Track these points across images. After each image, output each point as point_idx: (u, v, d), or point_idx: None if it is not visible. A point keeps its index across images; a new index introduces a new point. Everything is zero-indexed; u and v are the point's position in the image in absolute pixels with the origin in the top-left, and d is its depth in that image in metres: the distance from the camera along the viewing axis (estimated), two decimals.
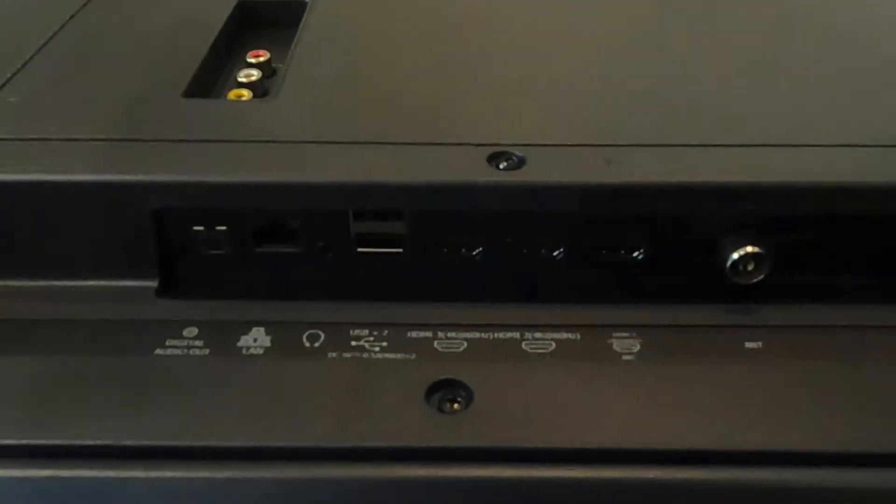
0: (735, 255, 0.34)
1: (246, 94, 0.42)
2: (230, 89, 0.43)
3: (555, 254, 0.36)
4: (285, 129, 0.37)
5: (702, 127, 0.37)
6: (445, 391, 0.32)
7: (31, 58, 0.42)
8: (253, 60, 0.45)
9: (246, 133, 0.37)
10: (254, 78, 0.43)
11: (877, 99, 0.40)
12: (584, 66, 0.43)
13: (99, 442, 0.30)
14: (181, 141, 0.36)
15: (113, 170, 0.35)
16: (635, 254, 0.36)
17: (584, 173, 0.34)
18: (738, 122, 0.38)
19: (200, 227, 0.36)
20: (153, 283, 0.36)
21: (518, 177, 0.34)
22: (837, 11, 0.48)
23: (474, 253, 0.36)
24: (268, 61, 0.45)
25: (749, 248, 0.34)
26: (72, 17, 0.46)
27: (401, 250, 0.36)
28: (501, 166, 0.35)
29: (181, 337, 0.34)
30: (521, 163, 0.35)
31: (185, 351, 0.34)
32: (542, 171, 0.34)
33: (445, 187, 0.34)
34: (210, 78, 0.43)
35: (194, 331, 0.34)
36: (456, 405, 0.32)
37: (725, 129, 0.37)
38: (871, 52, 0.44)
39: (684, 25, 0.47)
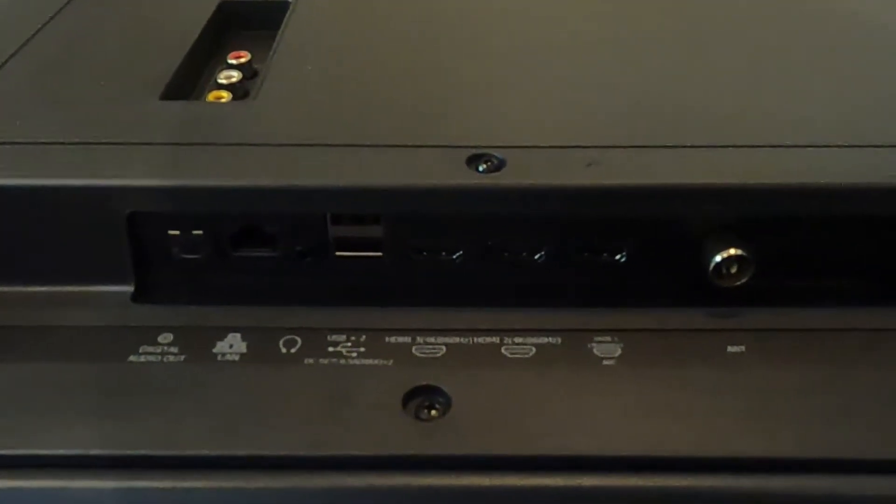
0: (718, 258, 0.34)
1: (226, 95, 0.42)
2: (210, 90, 0.43)
3: (535, 257, 0.35)
4: (264, 131, 0.37)
5: (683, 128, 0.37)
6: (423, 398, 0.31)
7: (7, 60, 0.42)
8: (234, 61, 0.45)
9: (224, 136, 0.37)
10: (234, 79, 0.43)
11: (861, 99, 0.39)
12: (565, 67, 0.42)
13: (69, 451, 0.30)
14: (157, 144, 0.36)
15: (87, 173, 0.34)
16: (617, 257, 0.35)
17: (564, 175, 0.34)
18: (720, 123, 0.37)
19: (176, 232, 0.35)
20: (128, 289, 0.35)
21: (498, 179, 0.34)
22: (824, 9, 0.47)
23: (454, 257, 0.36)
24: (249, 62, 0.45)
25: (732, 251, 0.34)
26: (51, 18, 0.46)
27: (380, 254, 0.36)
28: (481, 168, 0.34)
29: (156, 343, 0.34)
30: (500, 165, 0.34)
31: (160, 357, 0.33)
32: (522, 173, 0.34)
33: (424, 190, 0.34)
34: (189, 79, 0.43)
35: (169, 337, 0.34)
36: (434, 412, 0.31)
37: (707, 130, 0.37)
38: (857, 53, 0.43)
39: (666, 26, 0.46)
